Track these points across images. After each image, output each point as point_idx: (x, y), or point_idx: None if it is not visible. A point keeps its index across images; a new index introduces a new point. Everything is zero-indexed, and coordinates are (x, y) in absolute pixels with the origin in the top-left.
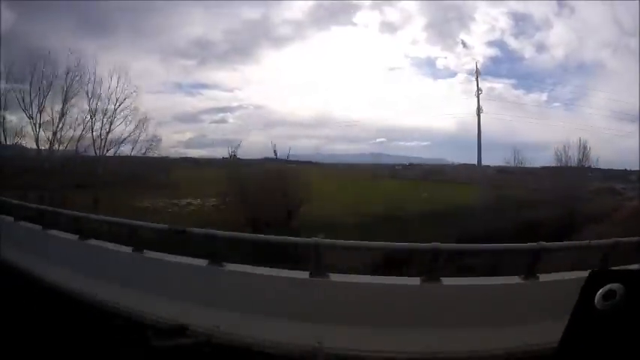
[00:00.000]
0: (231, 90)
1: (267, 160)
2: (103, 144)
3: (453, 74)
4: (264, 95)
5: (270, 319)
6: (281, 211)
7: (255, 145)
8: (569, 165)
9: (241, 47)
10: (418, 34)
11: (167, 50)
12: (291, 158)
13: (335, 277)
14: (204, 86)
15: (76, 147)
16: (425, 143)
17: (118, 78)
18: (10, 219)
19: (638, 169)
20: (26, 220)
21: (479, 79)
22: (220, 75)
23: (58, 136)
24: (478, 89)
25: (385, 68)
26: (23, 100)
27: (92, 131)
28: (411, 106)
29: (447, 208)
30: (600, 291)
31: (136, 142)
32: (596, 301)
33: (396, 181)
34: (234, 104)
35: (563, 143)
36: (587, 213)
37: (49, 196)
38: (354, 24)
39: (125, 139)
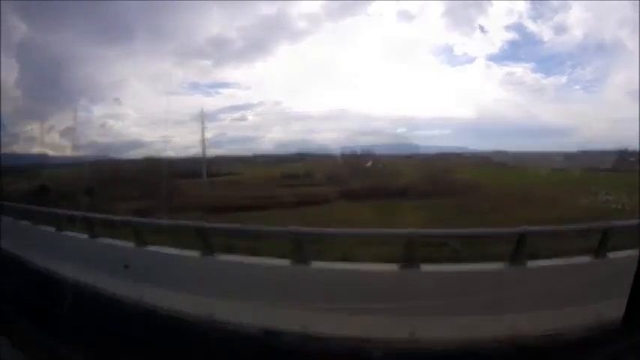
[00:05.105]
0: (249, 87)
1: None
2: None
3: (472, 60)
4: (283, 90)
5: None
6: None
7: (274, 140)
8: None
9: (258, 43)
10: (436, 22)
11: (183, 51)
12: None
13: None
14: (222, 85)
15: None
16: (446, 132)
17: None
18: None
19: None
20: None
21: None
22: (237, 73)
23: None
24: None
25: (402, 57)
26: None
27: None
28: (430, 94)
29: None
30: None
31: None
32: None
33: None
34: (253, 101)
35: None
36: None
37: None
38: (370, 14)
39: None
